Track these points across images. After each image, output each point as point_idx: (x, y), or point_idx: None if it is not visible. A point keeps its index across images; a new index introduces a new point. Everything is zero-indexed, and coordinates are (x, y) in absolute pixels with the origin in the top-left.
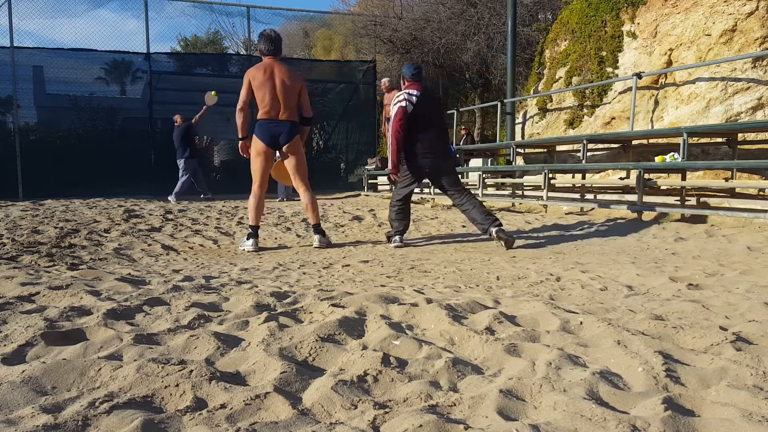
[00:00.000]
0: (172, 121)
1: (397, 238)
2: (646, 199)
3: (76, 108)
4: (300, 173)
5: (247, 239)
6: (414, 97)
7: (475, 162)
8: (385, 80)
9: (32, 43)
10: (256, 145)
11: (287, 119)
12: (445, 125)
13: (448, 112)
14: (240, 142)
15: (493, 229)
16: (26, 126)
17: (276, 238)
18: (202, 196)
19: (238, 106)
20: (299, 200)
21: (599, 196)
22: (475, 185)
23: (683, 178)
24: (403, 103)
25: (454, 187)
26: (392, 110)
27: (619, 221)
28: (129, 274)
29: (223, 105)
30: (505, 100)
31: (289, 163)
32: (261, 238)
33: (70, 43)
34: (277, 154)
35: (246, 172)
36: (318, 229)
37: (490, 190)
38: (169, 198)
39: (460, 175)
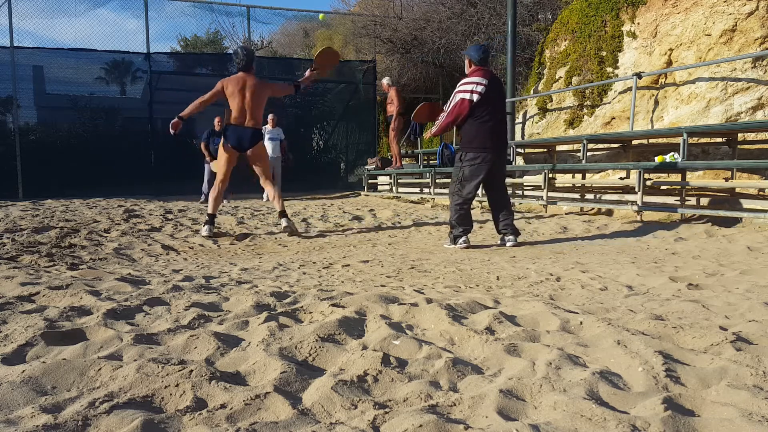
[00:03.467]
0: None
1: (464, 238)
2: (646, 199)
3: (76, 108)
4: (265, 173)
5: (204, 225)
6: (481, 87)
7: None
8: (384, 80)
9: (32, 43)
10: (224, 146)
11: (252, 127)
12: (505, 114)
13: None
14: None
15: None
16: (26, 126)
17: (276, 238)
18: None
19: (199, 99)
20: (303, 200)
21: (599, 196)
22: None
23: (683, 178)
24: (467, 95)
25: (501, 188)
26: (453, 98)
27: (619, 221)
28: (129, 274)
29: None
30: (505, 100)
31: (255, 166)
32: (261, 238)
33: (70, 43)
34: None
35: (244, 172)
36: (284, 214)
37: None
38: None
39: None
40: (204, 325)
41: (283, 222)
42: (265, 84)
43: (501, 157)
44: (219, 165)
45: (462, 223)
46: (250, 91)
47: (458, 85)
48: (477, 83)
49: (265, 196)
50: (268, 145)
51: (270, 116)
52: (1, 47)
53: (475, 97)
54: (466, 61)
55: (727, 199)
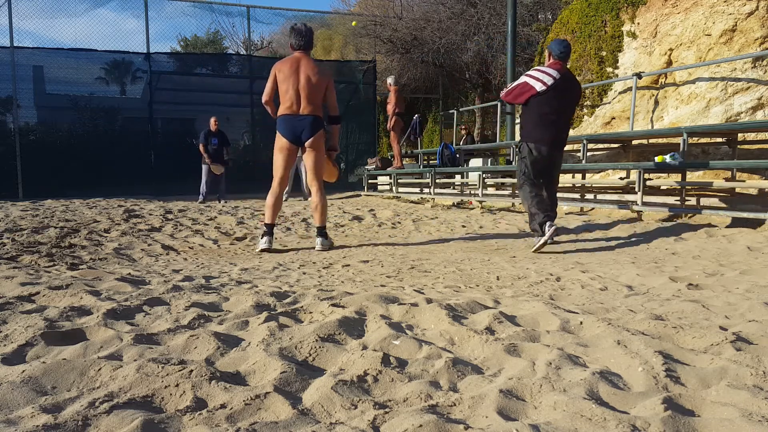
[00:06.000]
0: (207, 126)
1: (549, 222)
2: (646, 199)
3: (76, 108)
4: (316, 171)
5: (261, 237)
6: (550, 78)
7: (475, 162)
8: (388, 79)
9: (32, 43)
10: (279, 142)
11: (309, 114)
12: (572, 115)
13: (449, 111)
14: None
15: (547, 225)
16: (26, 126)
17: (276, 238)
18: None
19: (263, 99)
20: (302, 200)
21: (599, 196)
22: (475, 185)
23: (683, 178)
24: (533, 81)
25: (551, 185)
26: (519, 79)
27: (618, 221)
28: (129, 274)
29: (224, 105)
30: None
31: (308, 159)
32: None
33: (70, 43)
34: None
35: (244, 173)
36: (321, 232)
37: (490, 190)
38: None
39: (462, 175)
40: (204, 325)
41: (318, 243)
42: (328, 74)
43: (555, 154)
44: (275, 165)
45: (540, 210)
46: (306, 73)
47: (530, 69)
48: (547, 74)
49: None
50: None
51: None
52: (1, 47)
53: (539, 87)
54: (546, 54)
55: (754, 200)
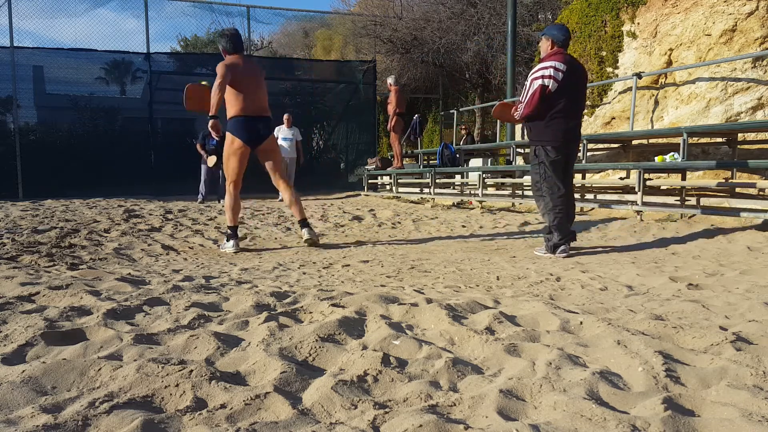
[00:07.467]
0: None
1: (564, 247)
2: (646, 199)
3: (76, 108)
4: (280, 169)
5: (227, 241)
6: (560, 73)
7: (475, 162)
8: (389, 79)
9: (32, 43)
10: (235, 143)
11: (268, 115)
12: (584, 102)
13: (449, 111)
14: (211, 120)
15: (560, 249)
16: (26, 126)
17: (276, 238)
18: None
19: (217, 94)
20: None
21: (599, 196)
22: (475, 185)
23: (683, 178)
24: (547, 81)
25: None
26: (531, 86)
27: (618, 221)
28: (129, 274)
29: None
30: (505, 100)
31: (269, 160)
32: (261, 238)
33: (70, 43)
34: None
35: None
36: (304, 224)
37: (490, 190)
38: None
39: (462, 175)
40: (204, 325)
41: (305, 233)
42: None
43: (572, 147)
44: (231, 167)
45: (560, 229)
46: (261, 76)
47: (534, 69)
48: (555, 68)
49: (280, 196)
50: (284, 145)
51: (285, 115)
52: (1, 47)
53: (553, 85)
54: (548, 42)
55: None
